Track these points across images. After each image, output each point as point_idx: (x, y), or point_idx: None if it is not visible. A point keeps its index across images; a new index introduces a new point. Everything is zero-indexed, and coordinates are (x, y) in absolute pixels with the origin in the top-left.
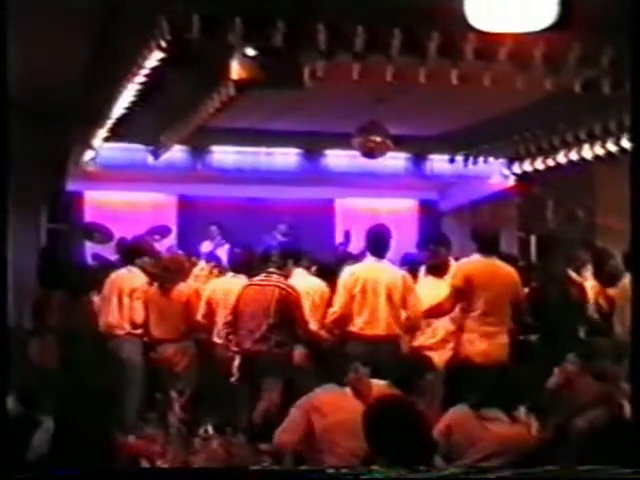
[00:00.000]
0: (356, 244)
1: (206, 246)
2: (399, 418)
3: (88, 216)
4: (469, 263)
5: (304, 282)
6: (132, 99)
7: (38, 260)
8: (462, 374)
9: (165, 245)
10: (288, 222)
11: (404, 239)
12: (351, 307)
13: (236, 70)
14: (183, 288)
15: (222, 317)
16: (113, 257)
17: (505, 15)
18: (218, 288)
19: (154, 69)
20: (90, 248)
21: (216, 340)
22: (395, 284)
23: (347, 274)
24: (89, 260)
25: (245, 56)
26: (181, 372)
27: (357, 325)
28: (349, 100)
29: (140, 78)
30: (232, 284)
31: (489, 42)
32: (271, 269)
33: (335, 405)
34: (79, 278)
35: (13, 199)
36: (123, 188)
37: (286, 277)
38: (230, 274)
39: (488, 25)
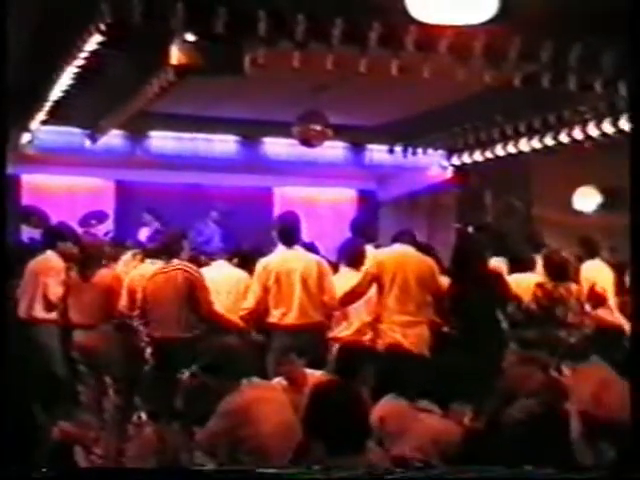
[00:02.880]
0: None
1: (144, 232)
2: (340, 402)
3: (25, 200)
4: (384, 251)
5: (224, 272)
6: (71, 82)
7: None
8: (382, 364)
9: (102, 230)
10: (219, 209)
11: (343, 229)
12: (267, 299)
13: (176, 55)
14: (104, 273)
15: (138, 304)
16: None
17: (446, 7)
18: (136, 275)
19: (93, 52)
20: (27, 232)
21: (139, 328)
22: (310, 271)
23: (260, 266)
24: (24, 244)
25: (185, 42)
26: (104, 358)
27: (276, 316)
28: (289, 88)
29: (79, 61)
30: (148, 271)
31: (430, 34)
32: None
33: (261, 401)
34: (10, 261)
35: None
36: (60, 172)
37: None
38: (149, 261)
39: (429, 17)
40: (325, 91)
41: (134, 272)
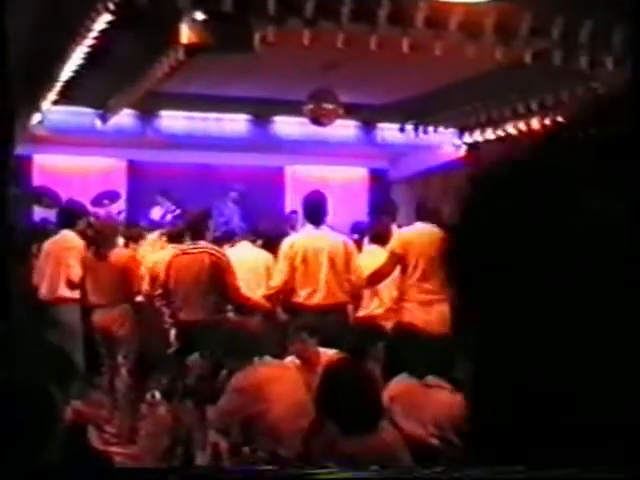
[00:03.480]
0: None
1: (156, 212)
2: (353, 382)
3: (36, 180)
4: (408, 230)
5: (248, 254)
6: (81, 62)
7: None
8: (404, 342)
9: (114, 210)
10: (239, 189)
11: (355, 208)
12: (294, 278)
13: (186, 34)
14: (120, 253)
15: (169, 285)
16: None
17: None
18: (162, 257)
19: (103, 32)
20: (39, 212)
21: (163, 310)
22: (336, 250)
23: (287, 245)
24: (37, 224)
25: (195, 20)
26: (120, 338)
27: (302, 296)
28: (300, 67)
29: (89, 41)
30: (170, 253)
31: (440, 11)
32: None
33: (273, 379)
34: (25, 242)
35: None
36: (72, 152)
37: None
38: (171, 245)
39: None
40: (336, 69)
41: (160, 252)
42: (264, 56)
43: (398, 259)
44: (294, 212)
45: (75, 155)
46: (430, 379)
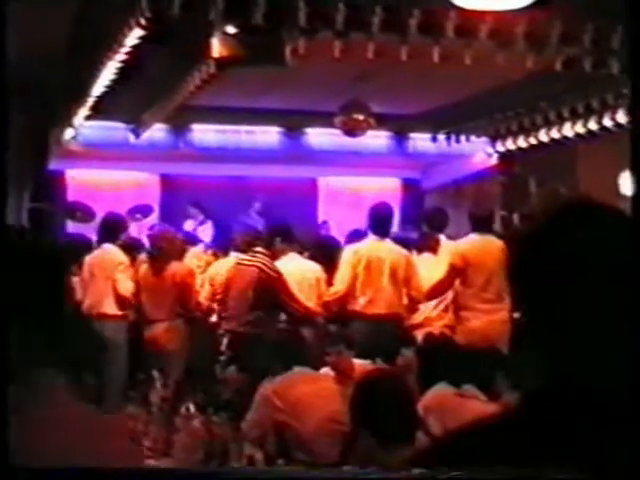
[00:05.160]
0: (337, 225)
1: (189, 225)
2: (389, 393)
3: (70, 195)
4: (466, 242)
5: (298, 265)
6: (113, 77)
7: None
8: (440, 352)
9: (147, 224)
10: (262, 200)
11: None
12: (354, 285)
13: (217, 48)
14: (178, 268)
15: (221, 297)
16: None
17: None
18: (221, 268)
19: (135, 47)
20: (72, 227)
21: (214, 320)
22: (399, 263)
23: (350, 252)
24: (71, 239)
25: (226, 34)
26: (171, 351)
27: (360, 304)
28: (331, 78)
29: (120, 56)
30: (226, 265)
31: (470, 20)
32: (258, 248)
33: (306, 389)
34: (62, 257)
35: None
36: (105, 167)
37: (272, 256)
38: (233, 254)
39: (469, 3)
40: (367, 80)
41: (218, 264)
42: (295, 68)
43: (458, 272)
44: (325, 222)
45: (108, 169)
46: (466, 389)
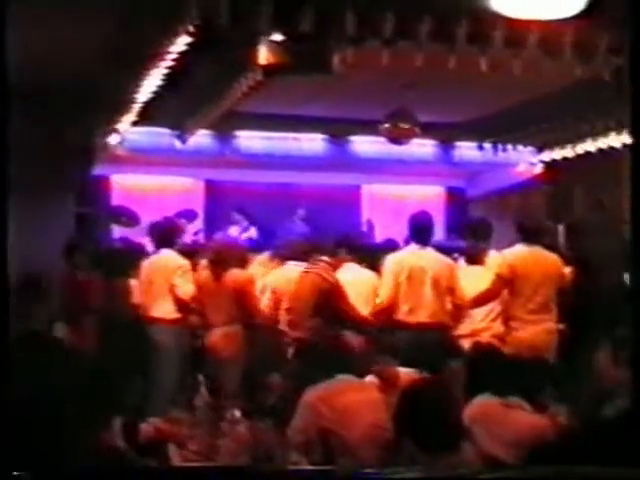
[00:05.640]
0: (380, 231)
1: (233, 231)
2: (433, 401)
3: (115, 200)
4: (514, 253)
5: (356, 275)
6: (159, 83)
7: (69, 243)
8: (486, 361)
9: (192, 230)
10: (307, 207)
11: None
12: (397, 295)
13: (264, 55)
14: (238, 274)
15: (283, 305)
16: (142, 240)
17: (534, 2)
18: (282, 276)
19: (182, 53)
20: (118, 232)
21: (274, 327)
22: (441, 272)
23: (391, 262)
24: (117, 243)
25: (273, 41)
26: (227, 356)
27: (403, 312)
28: (377, 86)
29: (167, 62)
30: (293, 273)
31: (518, 29)
32: (322, 257)
33: (348, 397)
34: (113, 261)
35: (41, 184)
36: (150, 172)
37: (334, 266)
38: (292, 263)
39: (517, 12)
40: (413, 88)
41: (275, 273)
42: (342, 76)
43: (504, 283)
44: (369, 222)
45: (153, 175)
46: (511, 399)
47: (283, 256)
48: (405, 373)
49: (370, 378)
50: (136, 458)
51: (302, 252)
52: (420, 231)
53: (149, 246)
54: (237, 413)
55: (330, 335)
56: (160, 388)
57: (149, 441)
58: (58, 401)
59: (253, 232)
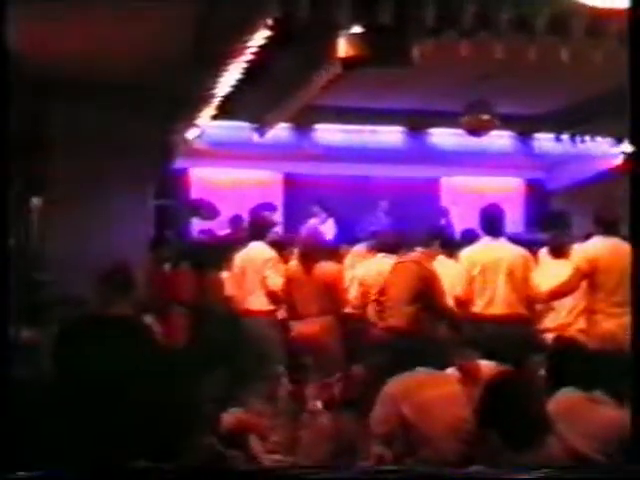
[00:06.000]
0: (459, 224)
1: (311, 223)
2: (516, 395)
3: (194, 193)
4: (594, 245)
5: (445, 268)
6: (239, 77)
7: (155, 236)
8: (569, 355)
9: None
10: (390, 199)
11: (510, 218)
12: (472, 289)
13: (343, 48)
14: (327, 267)
15: (373, 296)
16: (226, 233)
17: None
18: (371, 268)
19: (261, 47)
20: (197, 224)
21: (366, 318)
22: (515, 263)
23: (465, 256)
24: (200, 236)
25: (352, 34)
26: (319, 347)
27: (480, 305)
28: (455, 78)
29: (247, 56)
30: (383, 265)
31: (598, 18)
32: (417, 249)
33: (429, 390)
34: (201, 254)
35: (121, 175)
36: (229, 165)
37: (428, 257)
38: (381, 255)
39: (598, 1)
40: (491, 80)
41: (367, 264)
42: (420, 68)
43: (584, 275)
44: (446, 210)
45: (232, 168)
46: (596, 394)
47: (377, 248)
48: (486, 366)
49: (451, 371)
50: (219, 449)
51: (395, 244)
52: (492, 224)
53: (235, 239)
54: (319, 404)
55: (426, 325)
56: (247, 379)
57: (230, 432)
58: (143, 387)
59: (331, 225)
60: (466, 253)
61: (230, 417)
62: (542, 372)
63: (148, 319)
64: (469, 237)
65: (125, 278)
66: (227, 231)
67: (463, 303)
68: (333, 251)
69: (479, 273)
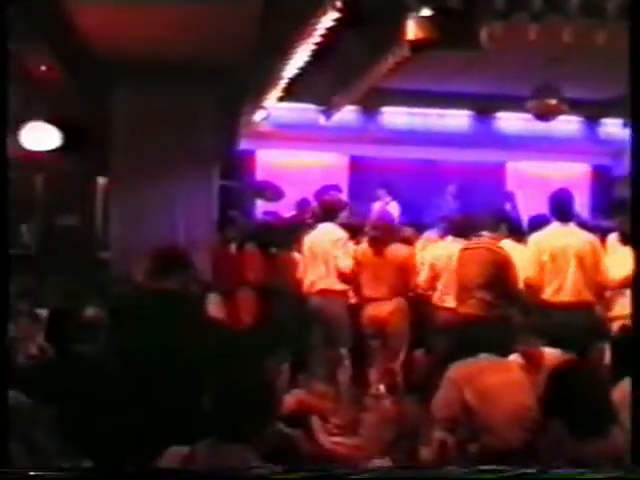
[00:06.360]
0: (524, 210)
1: (377, 207)
2: (581, 383)
3: (259, 175)
4: None
5: (514, 252)
6: (306, 59)
7: (221, 215)
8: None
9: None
10: (458, 184)
11: (576, 204)
12: (542, 275)
13: (412, 30)
14: (399, 249)
15: (443, 280)
16: (289, 214)
17: None
18: (441, 252)
19: (329, 29)
20: (261, 206)
21: (435, 302)
22: (585, 249)
23: (534, 242)
24: (267, 217)
25: (421, 16)
26: (389, 330)
27: (548, 293)
28: (523, 62)
29: (315, 38)
30: (453, 248)
31: None
32: (483, 233)
33: (491, 376)
34: (268, 235)
35: (187, 156)
36: (294, 147)
37: (496, 242)
38: (450, 239)
39: None
40: (559, 64)
41: (437, 248)
42: (488, 51)
43: None
44: (511, 194)
45: (297, 150)
46: None
47: (446, 232)
48: (550, 353)
49: (514, 357)
50: (282, 429)
51: (465, 228)
52: (561, 209)
53: (302, 220)
54: (382, 388)
55: (497, 311)
56: (311, 361)
57: (292, 413)
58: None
59: (395, 208)
60: (535, 238)
61: (292, 398)
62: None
63: (214, 299)
64: (537, 222)
65: (177, 256)
66: (293, 213)
67: (532, 289)
68: (402, 234)
69: (549, 259)
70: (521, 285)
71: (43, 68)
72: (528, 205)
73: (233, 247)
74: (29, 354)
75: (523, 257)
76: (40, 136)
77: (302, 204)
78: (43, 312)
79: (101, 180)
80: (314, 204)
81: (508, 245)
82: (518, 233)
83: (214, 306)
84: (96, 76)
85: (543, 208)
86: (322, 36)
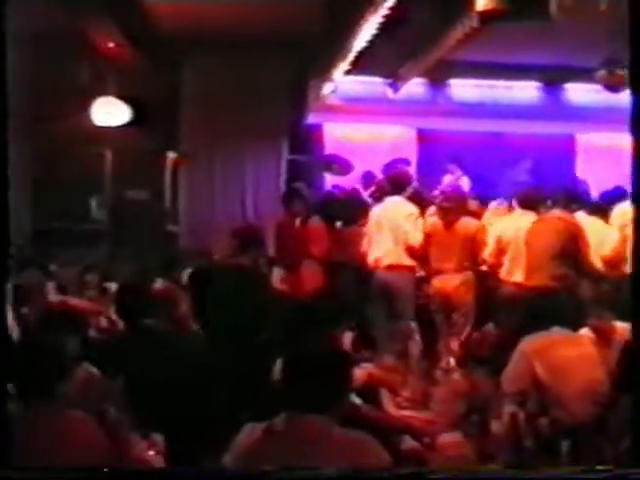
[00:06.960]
0: (595, 182)
1: (446, 180)
2: None
3: (327, 149)
4: None
5: (587, 225)
6: (374, 32)
7: (288, 190)
8: None
9: None
10: (532, 158)
11: None
12: (624, 247)
13: (481, 1)
14: (468, 223)
15: (510, 254)
16: (357, 187)
17: None
18: (509, 225)
19: (398, 1)
20: (329, 179)
21: (502, 276)
22: None
23: (617, 214)
24: (335, 191)
25: None
26: (457, 303)
27: (627, 265)
28: (592, 32)
29: (383, 11)
30: (522, 221)
31: None
32: (552, 205)
33: (562, 350)
34: (332, 207)
35: (255, 130)
36: (362, 120)
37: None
38: (519, 211)
39: None
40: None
41: (505, 221)
42: (557, 22)
43: None
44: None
45: (365, 123)
46: None
47: (516, 204)
48: (622, 328)
49: (584, 331)
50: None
51: (535, 201)
52: None
53: (372, 193)
54: (452, 361)
55: (568, 283)
56: (382, 333)
57: (362, 386)
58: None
59: (465, 181)
60: (619, 210)
61: (362, 371)
62: None
63: (278, 272)
64: (612, 196)
65: (255, 235)
66: (359, 186)
67: (611, 262)
68: (472, 207)
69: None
70: (597, 259)
71: (111, 45)
72: (598, 177)
73: (298, 220)
74: (99, 327)
75: (603, 230)
76: (110, 112)
77: (367, 177)
78: (112, 286)
79: (170, 155)
80: (379, 177)
81: (582, 218)
82: (589, 205)
83: (279, 280)
84: (165, 52)
85: (614, 179)
86: (390, 8)
